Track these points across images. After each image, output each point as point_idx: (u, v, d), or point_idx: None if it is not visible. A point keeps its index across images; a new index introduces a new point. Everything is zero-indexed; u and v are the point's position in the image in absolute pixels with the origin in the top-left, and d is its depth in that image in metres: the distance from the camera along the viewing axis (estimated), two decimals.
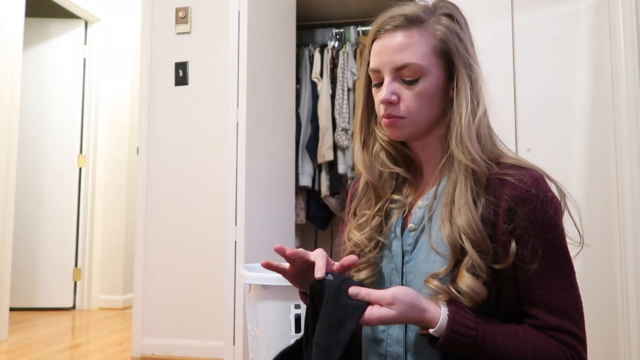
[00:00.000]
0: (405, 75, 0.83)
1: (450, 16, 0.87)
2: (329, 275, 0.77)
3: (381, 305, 0.73)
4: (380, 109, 0.87)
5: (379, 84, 0.87)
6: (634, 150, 1.91)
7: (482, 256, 0.77)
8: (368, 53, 0.90)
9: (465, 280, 0.76)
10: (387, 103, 0.84)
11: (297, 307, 1.42)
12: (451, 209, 0.81)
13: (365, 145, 0.93)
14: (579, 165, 2.01)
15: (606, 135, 1.99)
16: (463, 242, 0.78)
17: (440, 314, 0.74)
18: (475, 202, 0.80)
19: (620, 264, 1.92)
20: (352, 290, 0.74)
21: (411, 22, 0.84)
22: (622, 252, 1.92)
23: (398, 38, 0.84)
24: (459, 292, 0.76)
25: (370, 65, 0.88)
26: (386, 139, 0.91)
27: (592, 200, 1.98)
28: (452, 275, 0.79)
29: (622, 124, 1.94)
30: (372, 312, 0.72)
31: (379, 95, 0.86)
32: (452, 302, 0.76)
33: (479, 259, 0.77)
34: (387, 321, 0.73)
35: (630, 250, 1.89)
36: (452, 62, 0.85)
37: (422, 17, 0.85)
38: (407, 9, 0.86)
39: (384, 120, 0.86)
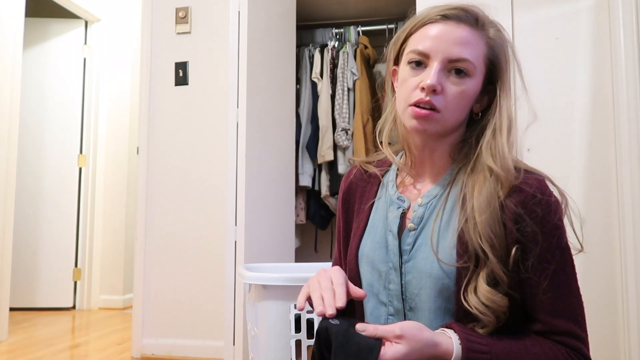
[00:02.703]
0: (455, 70, 0.81)
1: (499, 29, 0.87)
2: (334, 320, 0.74)
3: (390, 341, 0.71)
4: (413, 95, 0.82)
5: (419, 69, 0.82)
6: (634, 149, 1.91)
7: (501, 263, 0.76)
8: (404, 36, 0.86)
9: (485, 294, 0.75)
10: (431, 90, 0.80)
11: None
12: (468, 211, 0.80)
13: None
14: (579, 165, 2.01)
15: (606, 135, 1.99)
16: (482, 245, 0.77)
17: (452, 344, 0.73)
18: (499, 206, 0.79)
19: (621, 265, 1.92)
20: (360, 326, 0.72)
21: (477, 23, 0.83)
22: (622, 253, 1.91)
23: (463, 31, 0.81)
24: (480, 311, 0.75)
25: (417, 47, 0.82)
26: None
27: (592, 200, 1.97)
28: (460, 283, 0.78)
29: (622, 124, 1.93)
30: (384, 351, 0.69)
31: (421, 81, 0.81)
32: (459, 328, 0.75)
33: (499, 267, 0.76)
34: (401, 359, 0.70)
35: (630, 251, 1.89)
36: (495, 73, 0.85)
37: (485, 23, 0.84)
38: (477, 10, 0.85)
39: (417, 110, 0.81)
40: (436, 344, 0.72)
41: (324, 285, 0.77)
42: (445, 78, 0.81)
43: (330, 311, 0.72)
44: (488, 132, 0.83)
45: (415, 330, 0.71)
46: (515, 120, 0.87)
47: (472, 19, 0.82)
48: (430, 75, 0.80)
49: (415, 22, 0.85)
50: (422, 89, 0.80)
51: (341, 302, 0.73)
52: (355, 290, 0.80)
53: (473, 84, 0.82)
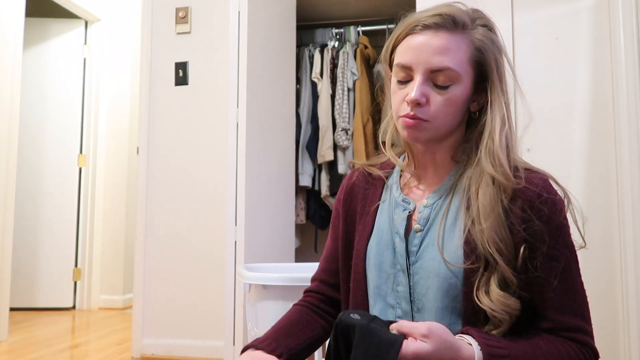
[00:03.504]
0: (439, 79, 0.81)
1: (489, 27, 0.86)
2: (355, 314, 0.73)
3: (415, 339, 0.70)
4: (402, 108, 0.84)
5: (405, 82, 0.84)
6: (634, 149, 1.91)
7: (510, 266, 0.77)
8: (391, 46, 0.87)
9: (498, 298, 0.75)
10: (416, 104, 0.81)
11: None
12: (474, 214, 0.80)
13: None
14: (579, 165, 2.01)
15: (606, 135, 1.99)
16: (490, 250, 0.77)
17: (473, 351, 0.73)
18: (503, 210, 0.79)
19: (621, 265, 1.92)
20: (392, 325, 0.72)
21: (457, 25, 0.82)
22: (622, 252, 1.92)
23: (440, 39, 0.80)
24: (493, 314, 0.75)
25: (401, 61, 0.83)
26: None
27: (592, 199, 1.98)
28: (469, 283, 0.79)
29: (622, 124, 1.93)
30: (407, 345, 0.69)
31: (407, 94, 0.82)
32: (477, 333, 0.75)
33: (508, 270, 0.76)
34: (422, 356, 0.69)
35: (630, 250, 1.89)
36: (484, 73, 0.84)
37: (466, 23, 0.83)
38: (454, 10, 0.83)
39: (406, 120, 0.83)
40: (459, 348, 0.72)
41: None
42: (430, 88, 0.82)
43: None
44: (485, 134, 0.84)
45: (441, 331, 0.71)
46: (515, 119, 0.87)
47: (450, 23, 0.81)
48: (413, 89, 0.81)
49: (399, 31, 0.85)
50: (408, 103, 0.82)
51: None
52: None
53: (460, 89, 0.82)
